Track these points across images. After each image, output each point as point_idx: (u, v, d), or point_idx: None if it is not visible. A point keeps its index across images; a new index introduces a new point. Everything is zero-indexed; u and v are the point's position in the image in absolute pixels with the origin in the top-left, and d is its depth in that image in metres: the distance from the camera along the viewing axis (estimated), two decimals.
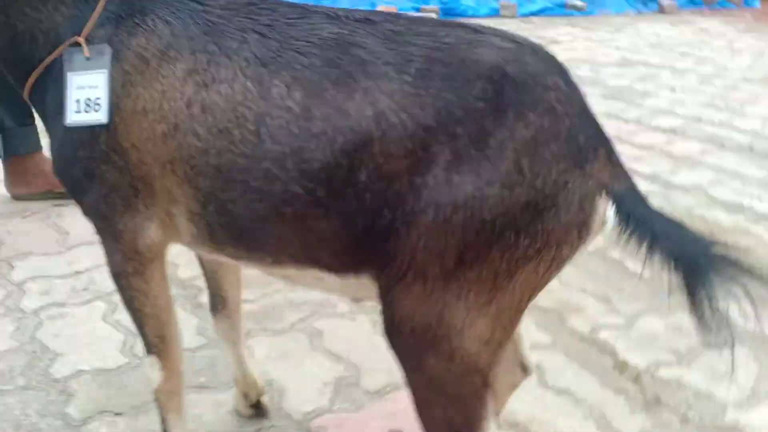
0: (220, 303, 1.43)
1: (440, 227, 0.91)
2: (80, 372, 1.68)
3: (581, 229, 0.94)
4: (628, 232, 0.92)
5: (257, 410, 1.52)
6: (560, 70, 0.98)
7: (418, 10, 7.28)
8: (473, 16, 7.54)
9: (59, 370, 1.69)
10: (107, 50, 1.04)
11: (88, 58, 1.05)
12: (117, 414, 1.55)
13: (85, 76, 1.06)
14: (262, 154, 0.97)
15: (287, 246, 1.02)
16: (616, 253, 2.25)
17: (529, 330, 1.84)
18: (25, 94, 1.15)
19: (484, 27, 1.01)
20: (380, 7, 7.13)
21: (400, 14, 1.05)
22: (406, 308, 0.95)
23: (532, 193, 0.90)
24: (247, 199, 0.99)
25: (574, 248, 0.95)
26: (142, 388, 1.59)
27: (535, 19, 7.27)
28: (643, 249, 0.91)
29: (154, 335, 1.18)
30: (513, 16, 7.40)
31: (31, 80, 1.12)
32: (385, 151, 0.93)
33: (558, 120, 0.92)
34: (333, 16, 1.02)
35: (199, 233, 1.08)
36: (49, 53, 1.09)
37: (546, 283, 0.97)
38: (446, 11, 7.51)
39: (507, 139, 0.90)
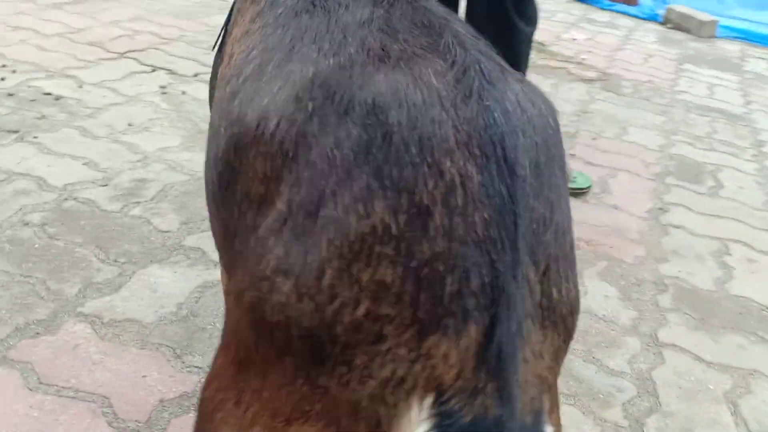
0: None
1: (238, 292, 0.64)
2: None
3: (375, 429, 0.57)
4: None
5: None
6: (497, 148, 0.57)
7: None
8: None
9: None
10: None
11: None
12: None
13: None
14: (216, 118, 0.83)
15: (216, 234, 0.86)
16: None
17: None
18: None
19: (462, 40, 0.66)
20: None
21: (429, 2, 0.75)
22: (210, 373, 0.72)
23: (316, 322, 0.57)
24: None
25: None
26: None
27: None
28: None
29: None
30: None
31: None
32: (258, 157, 0.67)
33: (423, 234, 0.54)
34: None
35: None
36: None
37: None
38: None
39: (331, 223, 0.57)
